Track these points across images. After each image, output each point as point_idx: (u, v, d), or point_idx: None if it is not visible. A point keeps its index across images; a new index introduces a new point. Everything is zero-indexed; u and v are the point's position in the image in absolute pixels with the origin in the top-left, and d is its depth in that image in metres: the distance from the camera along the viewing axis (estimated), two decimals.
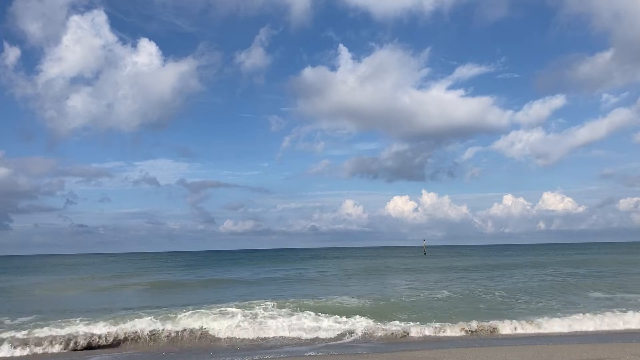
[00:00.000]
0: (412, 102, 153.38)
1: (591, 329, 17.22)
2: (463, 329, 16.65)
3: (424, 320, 17.98)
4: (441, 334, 16.40)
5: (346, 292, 26.11)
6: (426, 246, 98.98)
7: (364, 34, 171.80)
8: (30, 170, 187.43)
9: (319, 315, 18.06)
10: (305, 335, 16.16)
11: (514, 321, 17.47)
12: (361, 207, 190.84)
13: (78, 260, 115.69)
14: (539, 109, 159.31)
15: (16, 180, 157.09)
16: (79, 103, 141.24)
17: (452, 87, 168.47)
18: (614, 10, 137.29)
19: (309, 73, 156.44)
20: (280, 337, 16.15)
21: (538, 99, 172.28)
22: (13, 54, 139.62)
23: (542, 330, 16.97)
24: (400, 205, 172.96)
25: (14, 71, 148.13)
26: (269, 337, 16.15)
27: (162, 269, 59.28)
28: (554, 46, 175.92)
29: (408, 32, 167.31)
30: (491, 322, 17.34)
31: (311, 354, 13.85)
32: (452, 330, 16.61)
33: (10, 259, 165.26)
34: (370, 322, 17.32)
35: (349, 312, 19.05)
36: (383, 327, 16.75)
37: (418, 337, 16.15)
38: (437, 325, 17.01)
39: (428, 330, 16.56)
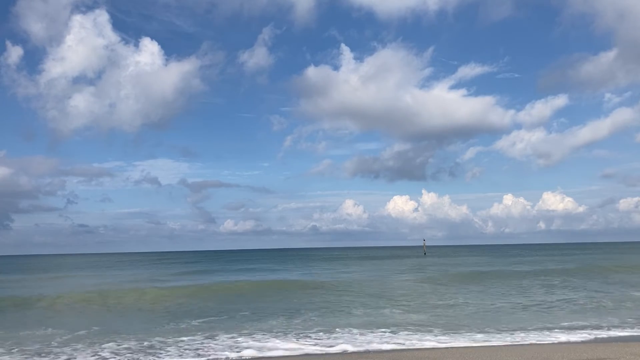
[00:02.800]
0: (414, 101, 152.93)
1: None
2: None
3: None
4: None
5: None
6: (426, 246, 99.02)
7: (367, 33, 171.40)
8: (32, 170, 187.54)
9: None
10: None
11: None
12: (361, 207, 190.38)
13: (88, 260, 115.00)
14: (541, 108, 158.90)
15: (17, 180, 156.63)
16: (81, 103, 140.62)
17: (454, 87, 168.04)
18: (618, 10, 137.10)
19: (311, 72, 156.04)
20: None
21: (540, 98, 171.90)
22: (15, 53, 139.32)
23: None
24: (400, 205, 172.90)
25: (16, 71, 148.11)
26: None
27: (221, 270, 55.53)
28: (558, 46, 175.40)
29: (412, 31, 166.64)
30: None
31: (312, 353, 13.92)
32: None
33: (15, 258, 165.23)
34: None
35: None
36: None
37: None
38: None
39: None
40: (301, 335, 16.51)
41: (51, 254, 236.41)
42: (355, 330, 17.07)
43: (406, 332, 16.72)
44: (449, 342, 14.93)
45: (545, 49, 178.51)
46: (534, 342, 14.80)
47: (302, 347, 14.72)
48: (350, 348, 14.42)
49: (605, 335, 15.75)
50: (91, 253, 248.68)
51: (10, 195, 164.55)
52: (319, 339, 15.76)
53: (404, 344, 14.80)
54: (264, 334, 16.73)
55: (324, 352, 14.04)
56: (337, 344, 15.01)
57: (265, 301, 25.91)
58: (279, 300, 26.09)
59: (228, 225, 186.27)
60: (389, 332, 16.70)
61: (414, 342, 15.10)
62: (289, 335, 16.57)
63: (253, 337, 16.22)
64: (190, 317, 21.03)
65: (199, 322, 19.65)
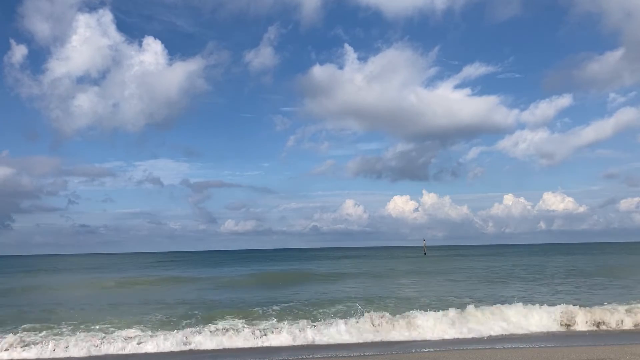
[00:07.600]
0: (418, 101, 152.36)
1: None
2: None
3: None
4: None
5: None
6: (426, 246, 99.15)
7: (374, 32, 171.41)
8: (34, 169, 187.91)
9: None
10: None
11: None
12: (362, 207, 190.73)
13: (95, 260, 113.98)
14: (545, 108, 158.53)
15: (19, 180, 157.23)
16: (85, 102, 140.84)
17: (459, 86, 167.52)
18: (626, 9, 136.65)
19: (316, 72, 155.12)
20: None
21: (545, 98, 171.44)
22: (19, 52, 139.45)
23: None
24: (400, 205, 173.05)
25: (20, 70, 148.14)
26: None
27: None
28: (564, 45, 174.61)
29: (418, 30, 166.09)
30: None
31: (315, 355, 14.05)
32: None
33: (17, 259, 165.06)
34: None
35: None
36: None
37: None
38: None
39: None
40: None
41: (53, 254, 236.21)
42: None
43: None
44: None
45: (552, 49, 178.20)
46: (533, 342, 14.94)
47: None
48: None
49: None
50: (93, 253, 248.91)
51: (11, 195, 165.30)
52: None
53: None
54: None
55: None
56: None
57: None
58: None
59: (229, 225, 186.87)
60: None
61: None
62: None
63: None
64: None
65: None
